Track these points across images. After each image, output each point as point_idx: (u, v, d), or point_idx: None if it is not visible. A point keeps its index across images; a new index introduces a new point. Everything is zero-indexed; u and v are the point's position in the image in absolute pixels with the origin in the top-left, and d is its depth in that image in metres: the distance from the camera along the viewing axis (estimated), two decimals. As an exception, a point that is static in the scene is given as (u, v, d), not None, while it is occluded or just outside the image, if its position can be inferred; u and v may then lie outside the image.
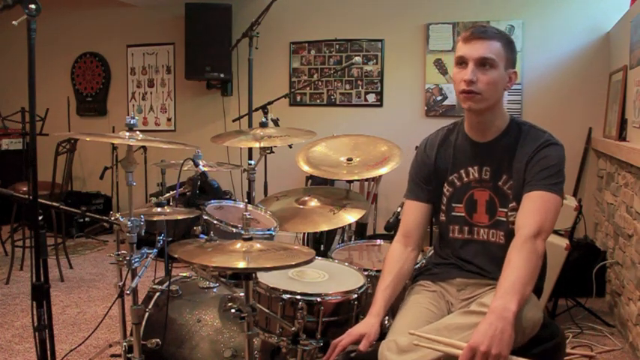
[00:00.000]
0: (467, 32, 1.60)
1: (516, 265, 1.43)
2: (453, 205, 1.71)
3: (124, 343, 1.96)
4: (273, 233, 2.15)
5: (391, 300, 1.68)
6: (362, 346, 1.55)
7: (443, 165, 1.74)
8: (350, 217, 2.36)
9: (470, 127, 1.70)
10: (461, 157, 1.71)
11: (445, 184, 1.72)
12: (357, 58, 3.47)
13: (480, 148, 1.67)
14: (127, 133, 1.84)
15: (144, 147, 4.71)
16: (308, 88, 4.87)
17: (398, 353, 1.45)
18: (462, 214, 1.70)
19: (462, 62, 1.59)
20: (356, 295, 1.87)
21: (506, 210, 1.63)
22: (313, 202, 2.49)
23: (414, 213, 1.78)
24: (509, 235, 1.59)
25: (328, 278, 1.99)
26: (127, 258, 1.87)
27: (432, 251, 1.90)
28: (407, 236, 1.76)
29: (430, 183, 1.76)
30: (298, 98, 4.95)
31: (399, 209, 2.31)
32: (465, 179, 1.69)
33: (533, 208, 1.52)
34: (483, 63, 1.56)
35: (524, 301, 1.40)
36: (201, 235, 2.02)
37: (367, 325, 1.59)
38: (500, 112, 1.65)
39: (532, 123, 1.68)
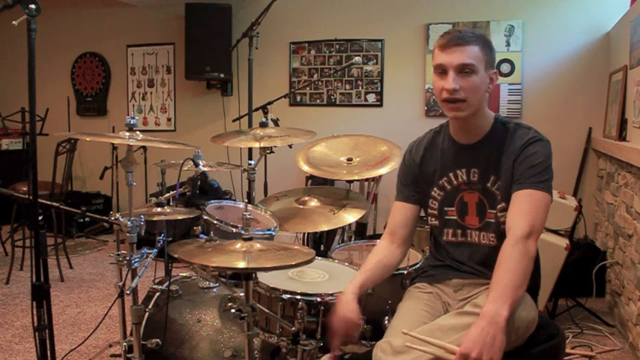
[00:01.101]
0: (443, 39, 1.58)
1: (508, 268, 1.42)
2: (446, 208, 1.70)
3: (124, 343, 1.96)
4: (273, 233, 2.15)
5: (368, 282, 1.68)
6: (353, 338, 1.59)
7: (429, 168, 1.74)
8: (350, 217, 2.36)
9: (455, 131, 1.69)
10: (448, 160, 1.70)
11: (435, 188, 1.72)
12: (357, 58, 3.46)
13: (467, 151, 1.66)
14: (127, 133, 1.84)
15: (144, 147, 4.70)
16: (308, 88, 4.87)
17: (392, 355, 1.45)
18: (454, 217, 1.69)
19: (441, 70, 1.58)
20: (356, 295, 1.86)
21: (495, 211, 1.62)
22: (313, 202, 2.50)
23: (400, 213, 1.78)
24: (501, 235, 1.58)
25: (328, 278, 1.99)
26: (127, 258, 1.87)
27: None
28: (392, 234, 1.77)
29: (417, 185, 1.77)
30: (298, 98, 4.95)
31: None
32: (454, 182, 1.68)
33: (523, 208, 1.51)
34: (464, 69, 1.54)
35: (517, 304, 1.40)
36: (201, 235, 2.02)
37: (349, 310, 1.58)
38: (483, 114, 1.64)
39: (517, 121, 1.68)
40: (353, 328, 1.59)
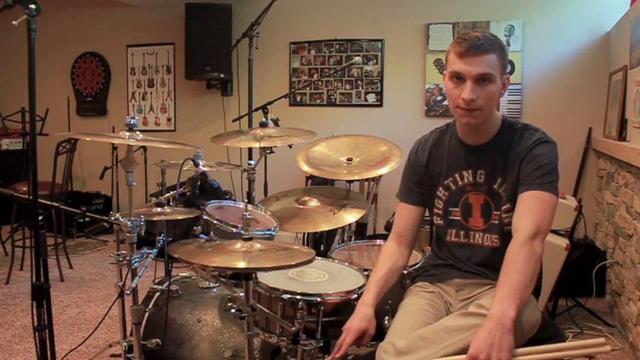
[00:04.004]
0: (461, 46, 1.52)
1: (515, 269, 1.41)
2: (450, 209, 1.70)
3: (124, 343, 1.96)
4: (273, 233, 2.15)
5: (383, 291, 1.69)
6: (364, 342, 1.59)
7: (435, 168, 1.73)
8: (350, 217, 2.36)
9: (463, 132, 1.69)
10: (454, 160, 1.69)
11: (440, 188, 1.71)
12: (357, 58, 3.46)
13: (474, 152, 1.66)
14: (127, 133, 1.84)
15: (144, 147, 4.71)
16: (308, 88, 4.86)
17: (395, 356, 1.44)
18: (458, 218, 1.69)
19: (458, 78, 1.55)
20: (356, 295, 1.86)
21: (499, 212, 1.62)
22: (313, 202, 2.49)
23: (406, 215, 1.79)
24: (504, 236, 1.58)
25: (328, 278, 1.99)
26: (127, 258, 1.87)
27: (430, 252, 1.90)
28: (400, 236, 1.78)
29: (422, 186, 1.76)
30: (298, 98, 4.95)
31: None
32: (460, 183, 1.68)
33: (529, 209, 1.51)
34: (482, 79, 1.52)
35: (523, 305, 1.40)
36: (201, 235, 2.02)
37: (364, 319, 1.59)
38: (492, 117, 1.63)
39: (524, 122, 1.67)
40: (366, 339, 1.60)
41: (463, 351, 1.37)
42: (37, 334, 1.70)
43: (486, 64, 1.51)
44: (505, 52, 1.57)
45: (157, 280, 2.39)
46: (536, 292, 1.65)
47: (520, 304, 1.37)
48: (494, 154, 1.63)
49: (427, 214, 1.82)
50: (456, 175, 1.68)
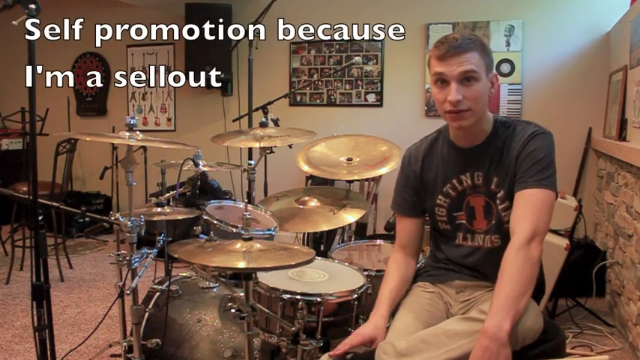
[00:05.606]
0: (439, 49, 1.52)
1: (510, 278, 1.39)
2: (454, 214, 1.68)
3: (124, 343, 1.96)
4: (273, 233, 2.15)
5: (396, 302, 1.68)
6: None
7: (430, 176, 1.71)
8: (350, 217, 2.36)
9: (456, 136, 1.66)
10: (450, 166, 1.67)
11: (440, 196, 1.69)
12: (357, 58, 3.46)
13: (469, 155, 1.64)
14: (127, 133, 1.84)
15: (144, 147, 4.70)
16: (308, 88, 4.87)
17: (395, 357, 1.43)
18: (464, 222, 1.67)
19: (442, 81, 1.53)
20: (356, 295, 1.87)
21: (498, 212, 1.62)
22: (313, 202, 2.50)
23: (407, 228, 1.77)
24: (503, 235, 1.57)
25: (328, 278, 1.99)
26: (127, 258, 1.87)
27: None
28: (404, 247, 1.77)
29: (419, 196, 1.74)
30: (298, 98, 4.95)
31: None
32: (460, 188, 1.66)
33: (526, 210, 1.48)
34: (466, 78, 1.50)
35: (520, 314, 1.38)
36: (201, 235, 2.02)
37: (376, 329, 1.57)
38: (485, 117, 1.61)
39: (515, 118, 1.66)
40: (373, 345, 1.57)
41: (464, 357, 1.36)
42: (37, 334, 1.70)
43: (468, 63, 1.49)
44: (487, 51, 1.55)
45: (156, 280, 2.39)
46: (540, 288, 1.64)
47: (515, 315, 1.35)
48: (489, 154, 1.61)
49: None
50: (454, 181, 1.66)
